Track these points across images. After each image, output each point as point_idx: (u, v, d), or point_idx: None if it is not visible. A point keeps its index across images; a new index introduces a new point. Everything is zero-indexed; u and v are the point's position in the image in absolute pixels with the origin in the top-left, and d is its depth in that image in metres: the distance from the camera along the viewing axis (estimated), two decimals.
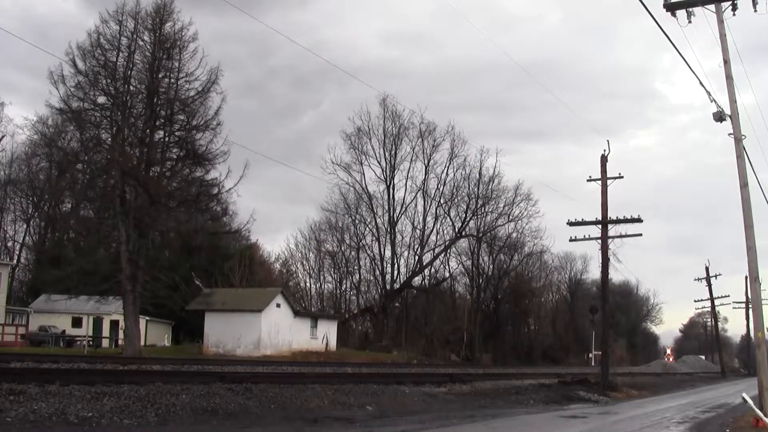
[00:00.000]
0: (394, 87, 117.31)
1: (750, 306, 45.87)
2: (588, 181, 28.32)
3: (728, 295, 64.52)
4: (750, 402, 14.08)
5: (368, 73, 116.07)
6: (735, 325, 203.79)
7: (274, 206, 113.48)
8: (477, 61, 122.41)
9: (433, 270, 68.13)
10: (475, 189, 66.39)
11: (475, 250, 68.85)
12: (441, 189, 66.57)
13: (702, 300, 63.81)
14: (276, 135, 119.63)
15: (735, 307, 65.28)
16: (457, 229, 66.73)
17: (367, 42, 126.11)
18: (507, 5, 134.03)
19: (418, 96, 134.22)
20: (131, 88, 34.42)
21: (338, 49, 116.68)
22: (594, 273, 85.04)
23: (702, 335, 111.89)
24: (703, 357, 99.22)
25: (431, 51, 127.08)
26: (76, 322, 47.44)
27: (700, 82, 15.25)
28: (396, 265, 65.80)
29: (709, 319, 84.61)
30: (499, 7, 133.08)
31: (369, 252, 67.60)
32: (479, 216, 67.14)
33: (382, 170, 65.83)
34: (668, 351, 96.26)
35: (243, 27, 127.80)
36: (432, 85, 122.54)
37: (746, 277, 38.88)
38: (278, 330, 45.03)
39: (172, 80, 34.77)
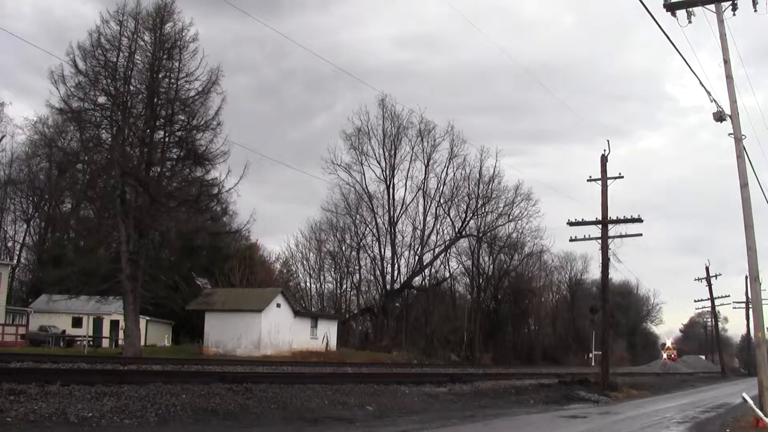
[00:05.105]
0: (406, 89, 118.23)
1: (750, 306, 45.89)
2: (588, 181, 28.33)
3: (728, 295, 64.65)
4: (750, 402, 14.09)
5: (383, 75, 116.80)
6: (735, 325, 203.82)
7: (286, 207, 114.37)
8: (490, 63, 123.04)
9: (433, 270, 68.24)
10: (475, 189, 66.58)
11: (475, 250, 68.87)
12: (441, 189, 66.80)
13: (702, 300, 63.89)
14: (289, 136, 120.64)
15: (735, 307, 65.37)
16: (457, 229, 66.82)
17: (383, 45, 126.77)
18: (522, 9, 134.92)
19: (430, 98, 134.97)
20: (131, 88, 34.42)
21: (354, 51, 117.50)
22: (594, 273, 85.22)
23: (702, 335, 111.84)
24: (703, 357, 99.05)
25: (445, 54, 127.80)
26: (77, 322, 47.45)
27: (700, 82, 15.29)
28: (396, 265, 65.93)
29: (710, 319, 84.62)
30: (514, 11, 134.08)
31: (369, 252, 67.72)
32: (479, 216, 67.26)
33: (382, 170, 66.01)
34: (668, 344, 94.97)
35: (261, 30, 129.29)
36: (445, 87, 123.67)
37: (746, 277, 38.88)
38: (278, 330, 45.02)
39: (173, 80, 34.76)
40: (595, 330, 68.46)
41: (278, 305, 45.79)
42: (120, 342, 41.92)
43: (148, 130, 34.72)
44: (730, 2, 15.52)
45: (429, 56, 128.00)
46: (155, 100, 34.48)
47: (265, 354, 41.67)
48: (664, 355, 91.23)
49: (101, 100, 34.10)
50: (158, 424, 10.43)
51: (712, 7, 15.66)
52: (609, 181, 27.43)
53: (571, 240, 29.33)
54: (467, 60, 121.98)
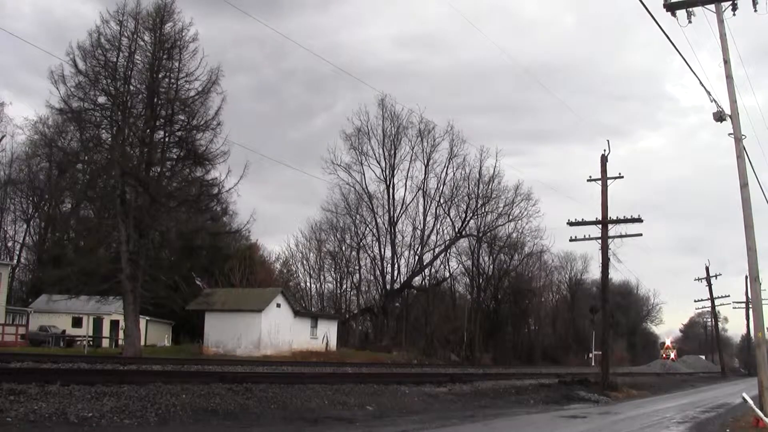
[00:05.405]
0: (407, 89, 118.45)
1: (750, 306, 45.86)
2: (588, 181, 28.33)
3: (728, 295, 64.61)
4: (750, 402, 14.09)
5: (383, 75, 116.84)
6: (735, 325, 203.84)
7: (286, 207, 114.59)
8: (490, 63, 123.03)
9: (433, 270, 68.26)
10: (475, 189, 66.61)
11: (475, 250, 68.88)
12: (441, 189, 66.84)
13: (702, 300, 63.87)
14: (289, 136, 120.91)
15: (735, 307, 65.37)
16: (457, 229, 66.83)
17: (383, 45, 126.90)
18: (522, 9, 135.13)
19: (430, 98, 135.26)
20: (131, 88, 34.43)
21: (354, 51, 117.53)
22: (594, 273, 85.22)
23: (702, 335, 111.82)
24: (703, 357, 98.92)
25: (445, 54, 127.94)
26: (77, 322, 47.45)
27: (700, 82, 15.29)
28: (396, 265, 65.93)
29: (710, 319, 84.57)
30: (514, 11, 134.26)
31: (369, 252, 67.74)
32: (479, 216, 67.28)
33: (382, 170, 66.04)
34: (668, 343, 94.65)
35: (261, 30, 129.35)
36: (445, 87, 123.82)
37: (746, 277, 38.87)
38: (278, 330, 45.03)
39: (173, 80, 34.76)
40: (595, 330, 68.47)
41: (278, 305, 45.79)
42: (120, 342, 41.92)
43: (148, 130, 34.72)
44: (730, 2, 15.53)
45: (429, 56, 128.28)
46: (155, 100, 34.48)
47: (265, 354, 41.67)
48: (663, 355, 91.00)
49: (101, 100, 34.13)
50: (158, 424, 10.43)
51: (712, 7, 15.67)
52: (609, 181, 27.44)
53: (571, 240, 29.35)
54: (467, 60, 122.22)
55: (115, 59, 33.66)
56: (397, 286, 65.35)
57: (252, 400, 13.14)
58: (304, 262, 70.81)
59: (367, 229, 67.16)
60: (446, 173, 66.41)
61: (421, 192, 66.41)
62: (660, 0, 15.81)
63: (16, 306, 47.61)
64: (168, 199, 35.25)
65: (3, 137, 52.90)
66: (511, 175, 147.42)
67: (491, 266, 71.21)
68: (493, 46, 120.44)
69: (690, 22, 15.65)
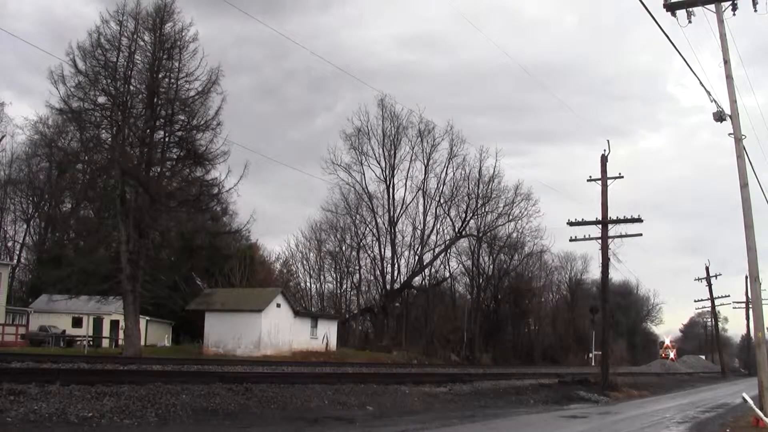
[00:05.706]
0: (407, 89, 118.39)
1: (750, 306, 45.87)
2: (588, 181, 28.33)
3: (728, 295, 64.56)
4: (750, 402, 14.10)
5: (384, 76, 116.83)
6: (735, 325, 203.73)
7: (286, 207, 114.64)
8: (490, 63, 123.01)
9: (433, 270, 68.29)
10: (475, 189, 66.63)
11: (475, 249, 68.92)
12: (441, 189, 66.85)
13: (702, 300, 63.84)
14: (290, 136, 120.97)
15: (735, 307, 65.35)
16: (457, 229, 66.85)
17: (384, 45, 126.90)
18: (522, 9, 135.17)
19: (430, 98, 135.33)
20: (131, 88, 34.44)
21: (355, 51, 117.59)
22: (594, 273, 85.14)
23: (702, 335, 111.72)
24: (703, 357, 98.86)
25: (445, 54, 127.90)
26: (77, 322, 47.42)
27: (700, 82, 15.30)
28: (396, 265, 65.92)
29: (710, 319, 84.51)
30: (514, 11, 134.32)
31: (369, 252, 67.75)
32: (479, 216, 67.32)
33: (382, 170, 66.02)
34: (667, 342, 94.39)
35: (263, 30, 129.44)
36: (445, 87, 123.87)
37: (746, 277, 38.88)
38: (278, 330, 45.03)
39: (173, 80, 34.78)
40: (595, 330, 68.42)
41: (278, 305, 45.78)
42: (120, 342, 41.90)
43: (148, 130, 34.74)
44: (730, 2, 15.53)
45: (429, 56, 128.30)
46: (155, 100, 34.49)
47: (265, 354, 41.67)
48: (662, 354, 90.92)
49: (101, 100, 34.16)
50: (158, 424, 10.44)
51: (712, 7, 15.68)
52: (609, 181, 27.45)
53: (571, 240, 29.34)
54: (467, 60, 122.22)
55: (115, 59, 33.68)
56: (397, 286, 65.35)
57: (252, 400, 13.15)
58: (304, 262, 70.94)
59: (367, 229, 67.27)
60: (446, 173, 66.53)
61: (421, 192, 66.54)
62: (660, 0, 15.83)
63: (16, 306, 47.57)
64: (168, 199, 35.27)
65: (3, 137, 52.95)
66: (511, 175, 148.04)
67: (491, 266, 71.31)
68: (493, 46, 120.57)
69: (690, 22, 15.67)
